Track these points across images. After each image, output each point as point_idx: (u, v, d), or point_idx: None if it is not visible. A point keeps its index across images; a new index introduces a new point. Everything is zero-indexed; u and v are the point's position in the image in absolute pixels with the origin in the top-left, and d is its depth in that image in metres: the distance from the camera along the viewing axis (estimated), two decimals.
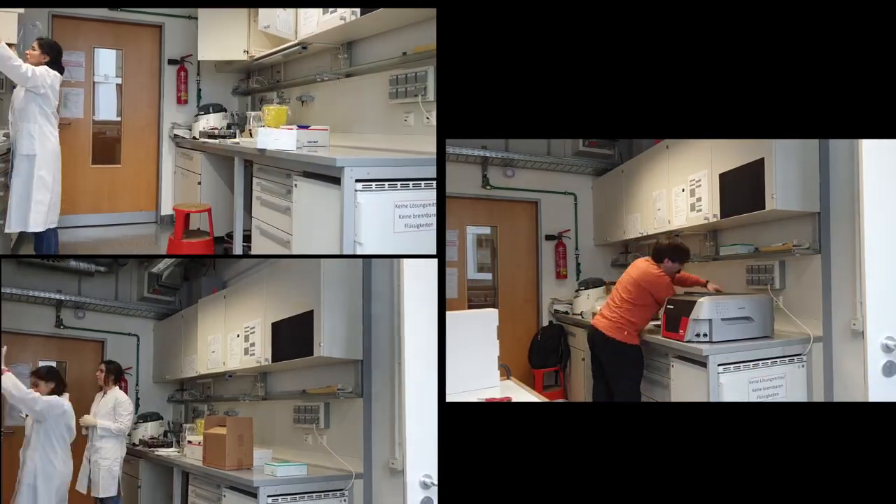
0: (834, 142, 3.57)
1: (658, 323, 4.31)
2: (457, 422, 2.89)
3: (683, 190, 4.59)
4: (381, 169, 3.30)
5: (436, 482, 2.63)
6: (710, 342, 3.72)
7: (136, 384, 6.45)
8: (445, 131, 3.11)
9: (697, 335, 3.77)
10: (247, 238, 4.76)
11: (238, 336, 4.63)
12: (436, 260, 3.03)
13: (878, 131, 2.81)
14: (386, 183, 3.28)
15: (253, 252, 4.48)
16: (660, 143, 5.03)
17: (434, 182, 3.35)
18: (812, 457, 2.80)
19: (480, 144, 5.88)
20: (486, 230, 6.35)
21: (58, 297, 6.07)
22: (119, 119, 6.64)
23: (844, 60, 2.86)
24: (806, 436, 2.82)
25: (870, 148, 2.74)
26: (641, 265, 4.41)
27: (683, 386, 3.90)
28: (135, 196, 6.69)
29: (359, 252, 3.23)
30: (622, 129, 3.01)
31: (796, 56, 2.88)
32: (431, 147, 3.64)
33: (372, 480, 3.53)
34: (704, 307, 3.78)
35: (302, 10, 4.66)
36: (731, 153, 4.02)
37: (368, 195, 3.24)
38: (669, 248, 4.36)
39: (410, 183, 3.32)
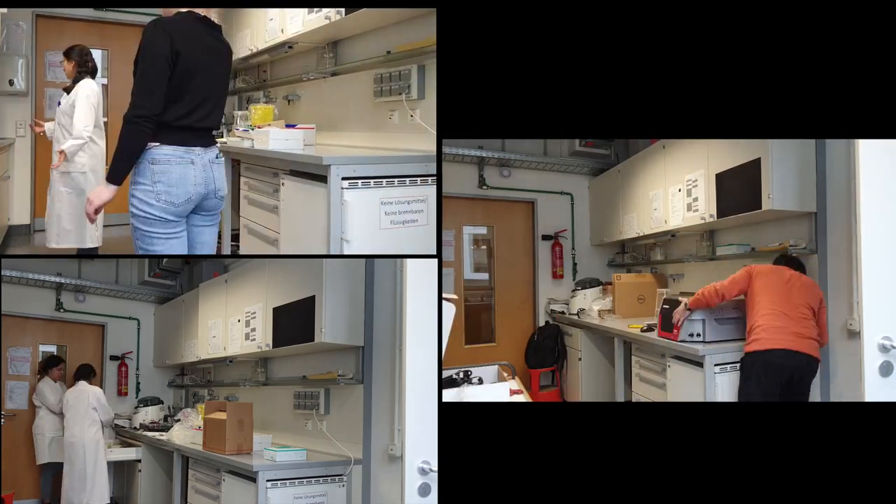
0: (830, 142, 3.57)
1: (653, 322, 4.30)
2: (456, 409, 2.91)
3: (680, 190, 4.60)
4: (367, 167, 3.33)
5: (434, 468, 2.64)
6: (704, 342, 3.73)
7: (137, 368, 6.49)
8: (443, 131, 3.12)
9: (691, 335, 3.78)
10: (235, 237, 4.76)
11: (239, 321, 4.65)
12: (434, 259, 3.03)
13: (874, 131, 2.81)
14: (372, 180, 3.30)
15: (241, 251, 4.49)
16: (656, 143, 5.03)
17: (419, 179, 3.38)
18: (809, 457, 2.80)
19: (477, 144, 5.89)
20: (483, 230, 6.35)
21: (58, 279, 6.09)
22: (106, 119, 6.60)
23: (841, 60, 2.87)
24: (803, 436, 2.83)
25: (866, 148, 2.75)
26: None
27: (680, 386, 3.90)
28: (124, 196, 6.65)
29: (346, 249, 3.25)
30: (619, 129, 3.01)
31: (793, 56, 2.88)
32: (416, 144, 3.66)
33: (371, 466, 3.57)
34: None
35: (288, 10, 4.68)
36: (727, 153, 4.02)
37: (355, 193, 3.26)
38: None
39: (396, 180, 3.35)
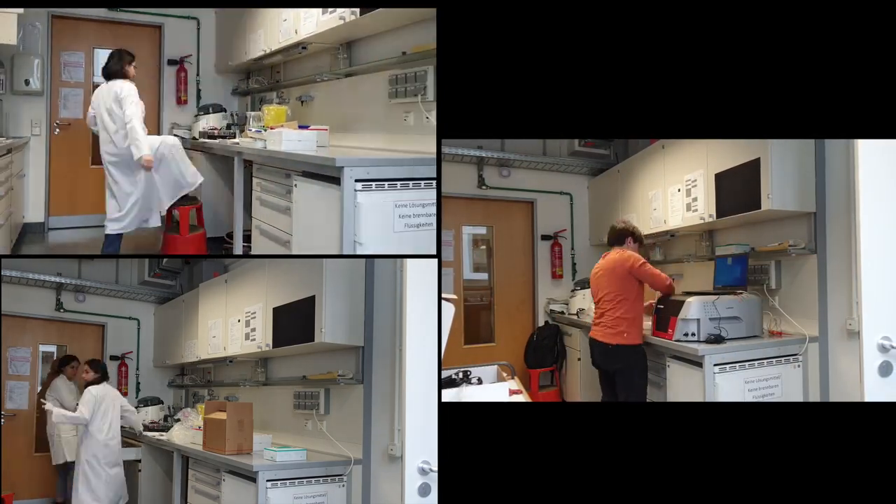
0: (830, 142, 3.57)
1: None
2: (456, 409, 2.91)
3: (679, 190, 4.60)
4: (381, 169, 3.31)
5: (434, 468, 2.64)
6: (698, 341, 3.74)
7: (137, 368, 6.51)
8: (443, 131, 3.12)
9: (686, 334, 3.80)
10: (247, 238, 4.76)
11: (239, 321, 4.66)
12: (434, 259, 3.03)
13: (873, 131, 2.82)
14: (386, 183, 3.28)
15: (253, 252, 4.49)
16: (655, 143, 5.03)
17: (434, 181, 3.36)
18: (808, 457, 2.81)
19: (476, 144, 5.89)
20: (482, 230, 6.35)
21: (58, 279, 6.10)
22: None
23: (840, 60, 2.87)
24: (802, 436, 2.83)
25: (866, 148, 2.75)
26: (611, 257, 4.37)
27: (679, 386, 3.90)
28: None
29: (359, 251, 3.24)
30: (618, 129, 3.01)
31: (792, 56, 2.89)
32: (431, 147, 3.65)
33: (371, 466, 3.58)
34: (693, 307, 3.81)
35: (302, 10, 4.67)
36: (727, 153, 4.02)
37: (368, 195, 3.25)
38: (627, 231, 4.41)
39: (410, 182, 3.33)
